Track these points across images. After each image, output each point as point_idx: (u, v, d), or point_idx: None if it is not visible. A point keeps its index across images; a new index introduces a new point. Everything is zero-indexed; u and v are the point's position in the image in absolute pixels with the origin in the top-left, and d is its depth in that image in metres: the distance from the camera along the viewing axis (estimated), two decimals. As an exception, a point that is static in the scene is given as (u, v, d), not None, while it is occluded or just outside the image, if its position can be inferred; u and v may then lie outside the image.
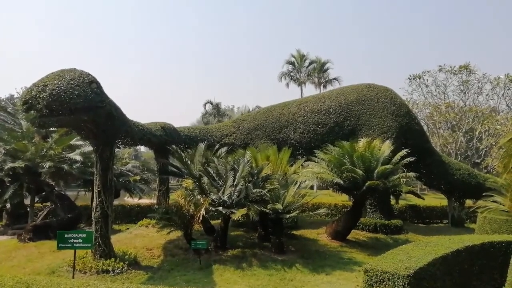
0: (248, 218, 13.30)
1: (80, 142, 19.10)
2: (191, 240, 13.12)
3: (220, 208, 12.96)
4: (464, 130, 36.54)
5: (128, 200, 26.41)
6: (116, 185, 18.16)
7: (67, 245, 10.27)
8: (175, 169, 16.86)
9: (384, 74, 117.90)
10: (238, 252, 13.62)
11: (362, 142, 16.18)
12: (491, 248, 9.50)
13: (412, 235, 18.08)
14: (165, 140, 17.52)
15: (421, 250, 8.64)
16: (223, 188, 13.57)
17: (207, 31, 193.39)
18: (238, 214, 12.48)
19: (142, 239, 14.73)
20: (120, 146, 16.41)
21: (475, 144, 36.83)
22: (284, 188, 14.58)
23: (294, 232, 16.80)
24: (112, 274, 10.95)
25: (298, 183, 15.25)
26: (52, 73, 10.06)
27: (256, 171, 14.35)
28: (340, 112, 20.65)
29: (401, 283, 6.92)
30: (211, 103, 60.39)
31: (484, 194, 16.43)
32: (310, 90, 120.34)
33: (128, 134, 14.08)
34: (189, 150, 17.16)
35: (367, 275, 7.43)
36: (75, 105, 9.54)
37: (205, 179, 14.34)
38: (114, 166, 13.58)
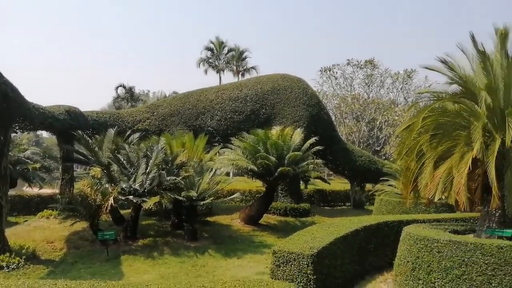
0: (161, 206, 13.04)
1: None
2: (98, 231, 12.45)
3: (131, 197, 12.49)
4: (367, 120, 39.95)
5: (27, 190, 24.08)
6: (12, 174, 16.44)
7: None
8: (81, 157, 15.75)
9: (298, 65, 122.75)
10: (149, 241, 13.30)
11: (275, 130, 16.74)
12: (385, 227, 10.62)
13: (318, 217, 19.33)
14: (70, 125, 16.24)
15: (325, 231, 9.34)
16: (134, 176, 13.07)
17: (123, 9, 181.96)
18: (150, 203, 12.16)
19: (43, 232, 13.60)
20: (18, 130, 14.81)
21: (376, 133, 40.51)
22: (199, 175, 14.53)
23: (208, 218, 16.88)
24: (6, 270, 10.00)
25: (214, 170, 15.31)
26: None
27: (170, 158, 14.05)
28: (256, 101, 21.09)
29: (305, 262, 7.41)
30: (124, 87, 57.17)
31: (381, 178, 18.23)
32: (228, 77, 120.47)
33: (27, 118, 12.80)
34: (97, 136, 16.16)
35: (275, 257, 7.81)
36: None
37: (114, 167, 13.66)
38: (10, 153, 12.25)
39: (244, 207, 17.78)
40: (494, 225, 8.44)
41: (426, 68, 9.74)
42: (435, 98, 9.48)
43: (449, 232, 8.83)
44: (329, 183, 28.66)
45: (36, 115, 13.44)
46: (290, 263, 7.60)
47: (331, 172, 34.08)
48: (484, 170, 7.79)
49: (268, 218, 17.99)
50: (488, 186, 7.78)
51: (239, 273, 10.59)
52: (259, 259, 12.19)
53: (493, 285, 6.99)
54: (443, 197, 9.52)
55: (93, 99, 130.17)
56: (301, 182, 24.15)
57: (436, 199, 8.70)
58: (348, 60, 40.77)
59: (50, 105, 16.19)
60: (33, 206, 19.93)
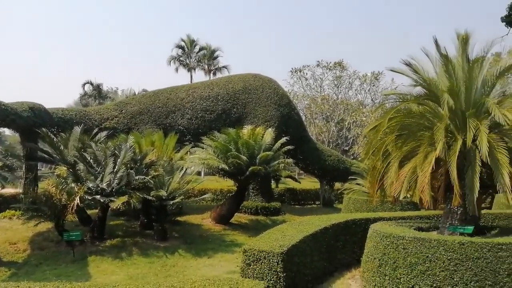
0: (130, 206, 12.78)
1: None
2: (64, 232, 12.05)
3: (98, 196, 12.15)
4: (336, 121, 40.73)
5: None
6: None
7: None
8: (45, 155, 15.18)
9: (269, 65, 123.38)
10: (117, 241, 13.00)
11: (246, 130, 16.78)
12: (353, 225, 10.86)
13: (288, 216, 19.55)
14: (33, 122, 15.64)
15: (295, 229, 9.45)
16: (101, 175, 12.73)
17: (95, 4, 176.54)
18: (117, 203, 11.89)
19: (4, 233, 13.02)
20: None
21: (344, 133, 41.38)
22: (169, 175, 14.35)
23: (179, 218, 16.70)
24: (-36, 274, 9.49)
25: (184, 169, 15.17)
26: None
27: (139, 157, 13.79)
28: (227, 100, 21.05)
29: (275, 260, 7.47)
30: (91, 84, 55.58)
31: (349, 177, 18.65)
32: (200, 76, 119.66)
33: (-13, 114, 12.17)
34: (62, 134, 15.62)
35: (246, 255, 7.83)
36: None
37: (81, 166, 13.25)
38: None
39: (215, 206, 17.72)
40: (456, 222, 8.79)
41: (392, 70, 10.03)
42: (400, 100, 9.80)
43: (414, 229, 9.12)
44: (299, 182, 29.01)
45: (-3, 111, 12.84)
46: (260, 261, 7.64)
47: (301, 171, 34.54)
48: (447, 169, 8.08)
49: (239, 217, 18.02)
50: (450, 185, 8.08)
51: (209, 273, 10.55)
52: (230, 258, 12.18)
53: (455, 280, 7.29)
54: (408, 196, 9.85)
55: (59, 96, 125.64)
56: (272, 181, 24.33)
57: (401, 197, 8.99)
58: (318, 61, 41.50)
59: (13, 101, 15.49)
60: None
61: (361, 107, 41.61)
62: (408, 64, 9.55)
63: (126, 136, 15.13)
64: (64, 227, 12.54)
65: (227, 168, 15.26)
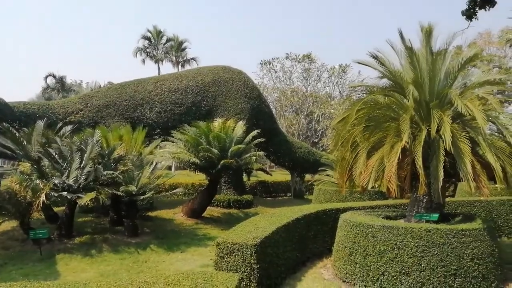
0: (98, 202, 12.45)
1: None
2: (30, 230, 11.62)
3: (65, 193, 11.79)
4: (305, 113, 41.16)
5: None
6: None
7: None
8: (7, 151, 14.48)
9: (238, 57, 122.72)
10: (86, 239, 12.69)
11: (217, 123, 16.70)
12: (324, 215, 11.09)
13: (261, 208, 19.72)
14: (-7, 117, 14.88)
15: (267, 221, 9.54)
16: (67, 171, 12.34)
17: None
18: (86, 199, 11.54)
19: (-36, 233, 12.41)
20: None
21: (314, 125, 41.93)
22: (139, 169, 14.08)
23: (150, 213, 16.49)
24: None
25: (154, 164, 14.94)
26: None
27: (107, 152, 13.43)
28: (197, 92, 20.83)
29: (249, 252, 7.52)
30: (54, 76, 53.46)
31: (319, 169, 18.99)
32: (168, 68, 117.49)
33: None
34: (25, 129, 14.97)
35: (219, 248, 7.82)
36: None
37: (45, 162, 12.77)
38: None
39: (187, 201, 17.60)
40: (422, 210, 9.16)
41: (359, 63, 10.21)
42: (367, 92, 10.04)
43: (382, 218, 9.44)
44: (271, 175, 29.25)
45: (-47, 105, 12.12)
46: (234, 253, 7.66)
47: (272, 164, 34.78)
48: (413, 159, 8.37)
49: (211, 211, 17.99)
50: (416, 174, 8.38)
51: (183, 267, 10.50)
52: (203, 252, 12.16)
53: (422, 265, 7.63)
54: (376, 185, 10.14)
55: (20, 90, 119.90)
56: (243, 174, 24.39)
57: (369, 187, 9.26)
58: (287, 54, 41.68)
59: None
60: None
61: (329, 99, 42.25)
62: (375, 57, 9.78)
63: (92, 131, 14.67)
64: (30, 225, 12.09)
65: (198, 161, 15.16)
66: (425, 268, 7.59)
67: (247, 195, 20.39)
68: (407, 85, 8.87)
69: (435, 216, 8.77)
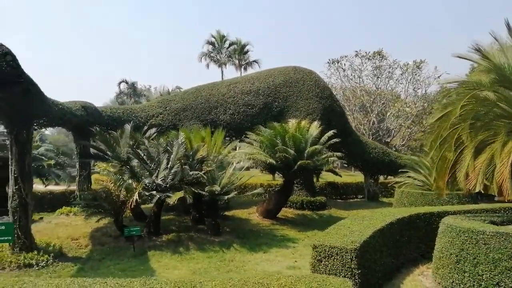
0: (184, 201, 12.89)
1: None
2: (123, 227, 12.30)
3: (154, 192, 12.33)
4: (376, 112, 39.55)
5: (38, 187, 23.88)
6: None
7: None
8: (99, 152, 15.54)
9: (301, 58, 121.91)
10: (173, 236, 13.16)
11: (291, 123, 16.57)
12: (417, 219, 10.46)
13: (334, 210, 19.26)
14: (86, 121, 16.05)
15: (360, 224, 9.16)
16: (156, 171, 12.90)
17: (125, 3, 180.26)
18: (174, 198, 11.99)
19: (65, 229, 13.45)
20: (36, 127, 14.61)
21: (385, 124, 40.14)
22: (219, 170, 14.37)
23: (227, 213, 16.77)
24: (36, 268, 9.85)
25: (234, 165, 15.15)
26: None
27: (191, 153, 13.87)
28: (268, 94, 20.90)
29: (348, 257, 7.24)
30: (126, 82, 57.02)
31: (400, 170, 18.09)
32: (231, 71, 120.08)
33: (47, 114, 12.54)
34: (112, 131, 15.96)
35: (316, 251, 7.63)
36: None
37: (134, 162, 13.49)
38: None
39: (261, 201, 17.67)
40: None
41: (460, 57, 9.54)
42: (470, 88, 9.28)
43: (487, 223, 8.68)
44: (340, 176, 28.54)
45: (56, 111, 13.21)
46: (333, 257, 7.43)
47: (336, 165, 33.79)
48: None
49: (285, 212, 17.89)
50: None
51: (269, 268, 10.46)
52: (285, 253, 12.08)
53: (542, 276, 6.87)
54: (481, 188, 9.34)
55: (93, 95, 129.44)
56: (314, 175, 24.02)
57: (476, 190, 8.54)
58: (356, 51, 40.32)
59: (65, 101, 15.95)
60: (45, 203, 19.73)
61: (402, 97, 40.24)
62: (478, 50, 9.06)
63: (176, 132, 15.25)
64: (123, 223, 12.80)
65: (275, 162, 15.11)
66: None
67: (320, 197, 20.03)
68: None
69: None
